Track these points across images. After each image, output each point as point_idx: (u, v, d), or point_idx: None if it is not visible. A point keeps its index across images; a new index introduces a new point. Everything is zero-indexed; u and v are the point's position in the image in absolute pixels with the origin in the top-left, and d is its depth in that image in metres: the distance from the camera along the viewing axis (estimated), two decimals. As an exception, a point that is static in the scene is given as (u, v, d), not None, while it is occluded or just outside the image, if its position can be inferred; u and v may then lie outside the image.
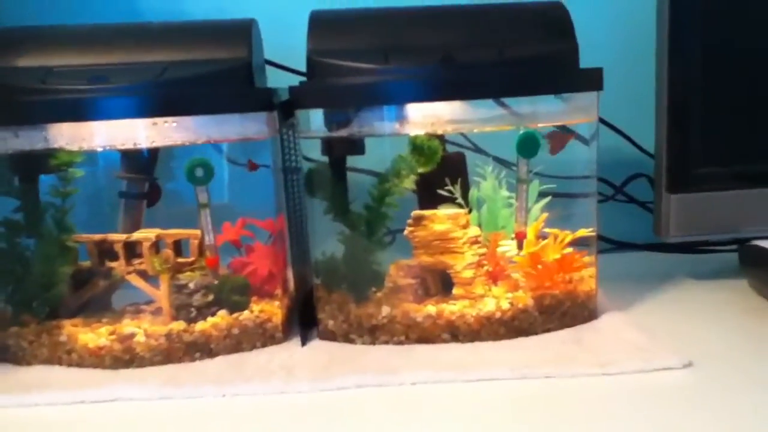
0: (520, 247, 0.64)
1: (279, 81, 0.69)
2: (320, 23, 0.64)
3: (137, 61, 0.61)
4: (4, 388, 0.56)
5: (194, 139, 0.61)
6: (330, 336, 0.63)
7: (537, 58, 0.61)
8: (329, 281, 0.65)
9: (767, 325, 0.63)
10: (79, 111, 0.58)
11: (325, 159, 0.65)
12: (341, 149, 0.65)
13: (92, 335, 0.60)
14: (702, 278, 0.77)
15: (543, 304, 0.62)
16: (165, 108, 0.59)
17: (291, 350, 0.62)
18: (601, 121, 0.66)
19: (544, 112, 0.63)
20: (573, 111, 0.63)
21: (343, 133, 0.63)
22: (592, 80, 0.62)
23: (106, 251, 0.64)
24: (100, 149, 0.61)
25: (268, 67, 0.75)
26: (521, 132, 0.60)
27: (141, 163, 0.67)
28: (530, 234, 0.64)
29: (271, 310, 0.64)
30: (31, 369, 0.60)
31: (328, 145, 0.64)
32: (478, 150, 0.73)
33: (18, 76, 0.59)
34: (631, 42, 0.86)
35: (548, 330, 0.62)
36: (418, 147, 0.61)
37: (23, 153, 0.60)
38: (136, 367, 0.59)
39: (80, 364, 0.60)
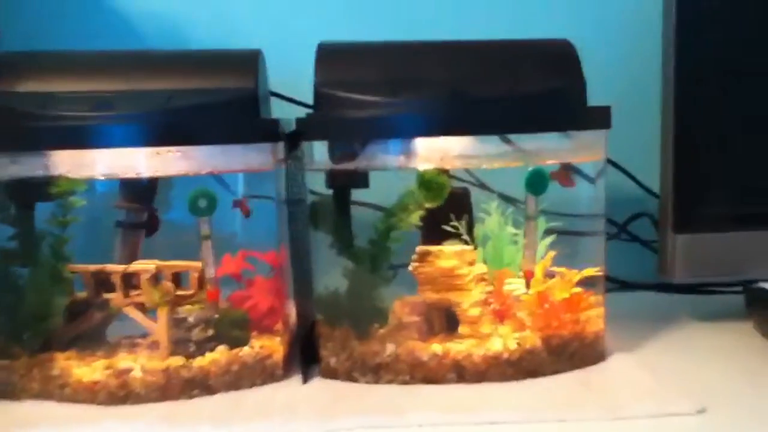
0: (528, 285, 0.62)
1: (283, 112, 0.69)
2: (328, 55, 0.63)
3: (142, 88, 0.60)
4: (-9, 425, 0.54)
5: (198, 169, 0.60)
6: (332, 374, 0.61)
7: (545, 95, 0.61)
8: (332, 317, 0.63)
9: (776, 369, 0.62)
10: (82, 138, 0.56)
11: (330, 192, 0.64)
12: (346, 182, 0.64)
13: (87, 369, 0.58)
14: (707, 320, 0.76)
15: (551, 345, 0.61)
16: (169, 137, 0.58)
17: (292, 388, 0.60)
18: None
19: (551, 149, 0.63)
20: (580, 148, 0.63)
21: (348, 166, 0.62)
22: (601, 118, 0.62)
23: (102, 282, 0.62)
24: (101, 177, 0.59)
25: (272, 99, 0.74)
26: (530, 169, 0.60)
27: (140, 193, 0.66)
28: (538, 272, 0.63)
29: (271, 346, 0.62)
30: (22, 404, 0.58)
31: (333, 177, 0.63)
32: (482, 186, 0.72)
33: (20, 101, 0.57)
34: (637, 80, 0.87)
35: (556, 371, 0.61)
36: (426, 182, 0.60)
37: (21, 180, 0.58)
38: (132, 403, 0.57)
39: (73, 400, 0.57)
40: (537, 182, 0.60)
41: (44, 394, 0.58)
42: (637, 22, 0.91)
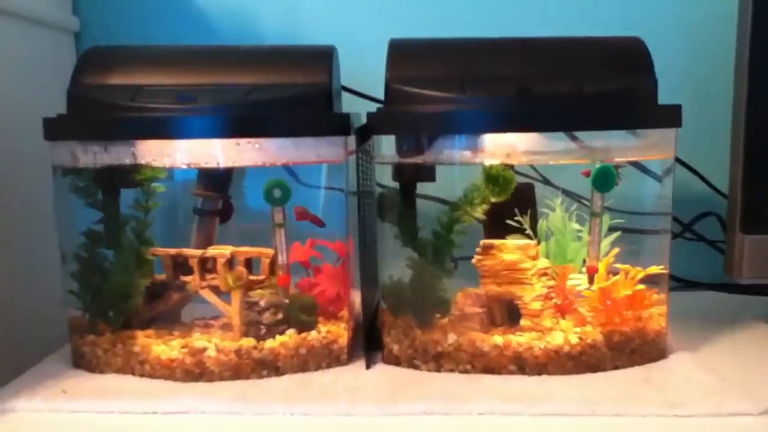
0: (591, 281, 0.63)
1: (353, 107, 0.71)
2: (399, 51, 0.65)
3: (223, 83, 0.63)
4: (79, 394, 0.58)
5: (273, 160, 0.63)
6: (394, 360, 0.63)
7: (614, 93, 0.61)
8: (396, 305, 0.65)
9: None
10: (167, 129, 0.60)
11: (397, 185, 0.66)
12: (413, 176, 0.65)
13: (165, 347, 0.62)
14: (772, 322, 0.75)
15: (612, 341, 0.61)
16: (247, 129, 0.61)
17: (356, 373, 0.62)
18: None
19: (619, 146, 0.63)
20: (649, 146, 0.63)
21: (416, 160, 0.63)
22: (671, 116, 0.62)
23: (180, 265, 0.66)
24: (183, 167, 0.63)
25: (343, 93, 0.76)
26: (597, 166, 0.60)
27: (216, 181, 0.69)
28: (601, 269, 0.63)
29: (337, 331, 0.64)
30: (105, 377, 0.62)
31: (400, 171, 0.65)
32: (546, 182, 0.73)
33: (110, 94, 0.61)
34: (708, 78, 0.86)
35: (617, 367, 0.61)
36: (493, 177, 0.61)
37: (109, 167, 0.62)
38: (206, 380, 0.60)
39: (152, 375, 0.61)
40: (604, 180, 0.60)
41: (126, 369, 0.62)
42: (710, 18, 0.90)
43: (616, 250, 0.65)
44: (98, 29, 0.93)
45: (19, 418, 0.55)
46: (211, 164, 0.62)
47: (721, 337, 0.70)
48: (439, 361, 0.62)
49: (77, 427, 0.54)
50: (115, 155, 0.62)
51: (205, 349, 0.61)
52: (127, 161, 0.62)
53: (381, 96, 0.64)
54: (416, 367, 0.62)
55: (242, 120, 0.60)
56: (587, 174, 0.63)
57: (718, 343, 0.69)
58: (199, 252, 0.65)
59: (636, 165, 0.66)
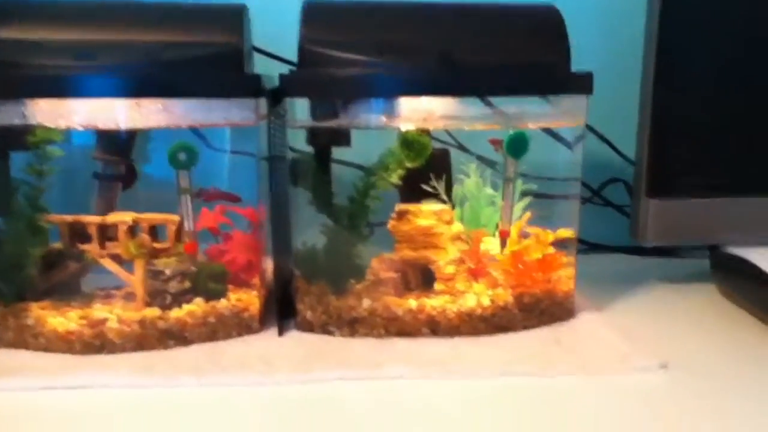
0: (503, 245, 0.64)
1: (265, 69, 0.68)
2: (314, 13, 0.63)
3: (126, 40, 0.59)
4: (-32, 372, 0.54)
5: (179, 122, 0.59)
6: (308, 327, 0.62)
7: (529, 60, 0.62)
8: (309, 272, 0.64)
9: (735, 329, 0.64)
10: (62, 87, 0.56)
11: (311, 149, 0.64)
12: (328, 140, 0.64)
13: (62, 319, 0.58)
14: (675, 282, 0.79)
15: (522, 302, 0.62)
16: (151, 89, 0.57)
17: (268, 341, 0.61)
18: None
19: (532, 113, 0.63)
20: (561, 113, 0.64)
21: (331, 124, 0.62)
22: (583, 84, 0.63)
23: (78, 233, 0.62)
24: (80, 128, 0.59)
25: (255, 55, 0.73)
26: (511, 132, 0.61)
27: (119, 145, 0.65)
28: (513, 233, 0.64)
29: (248, 299, 0.63)
30: (-4, 352, 0.58)
31: (314, 135, 0.64)
32: (461, 147, 0.73)
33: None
34: (619, 47, 0.88)
35: (526, 327, 0.62)
36: (408, 142, 0.60)
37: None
38: (107, 353, 0.57)
39: (48, 349, 0.58)
40: (518, 145, 0.61)
41: (19, 344, 0.58)
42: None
43: (528, 214, 0.66)
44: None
45: None
46: (111, 126, 0.58)
47: (626, 298, 0.73)
48: (353, 326, 0.61)
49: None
50: (4, 115, 0.57)
51: (105, 321, 0.58)
52: (17, 121, 0.57)
53: (294, 58, 0.61)
54: (330, 333, 0.62)
55: (144, 79, 0.57)
56: (495, 142, 0.64)
57: (624, 303, 0.71)
58: (98, 219, 0.61)
59: (547, 131, 0.67)
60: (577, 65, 0.63)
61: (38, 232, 0.61)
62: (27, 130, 0.58)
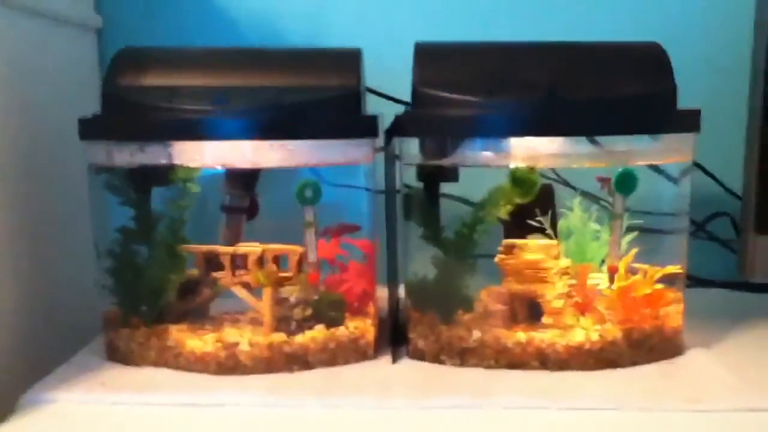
0: (611, 280, 0.65)
1: (375, 108, 0.72)
2: (426, 54, 0.67)
3: (253, 85, 0.64)
4: (118, 387, 0.60)
5: (301, 161, 0.64)
6: (420, 355, 0.65)
7: (635, 98, 0.63)
8: (420, 302, 0.67)
9: None
10: (201, 131, 0.61)
11: (421, 185, 0.68)
12: (436, 176, 0.67)
13: (198, 341, 0.63)
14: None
15: (631, 338, 0.63)
16: (279, 133, 0.62)
17: (383, 367, 0.64)
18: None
19: (640, 150, 0.65)
20: (668, 150, 0.65)
21: (442, 162, 0.65)
22: (690, 121, 0.64)
23: (211, 261, 0.68)
24: (218, 167, 0.64)
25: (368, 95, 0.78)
26: (620, 169, 0.62)
27: (245, 180, 0.71)
28: (621, 268, 0.65)
29: (364, 327, 0.66)
30: (141, 370, 0.64)
31: (425, 172, 0.67)
32: (564, 183, 0.75)
33: (146, 95, 0.63)
34: (725, 82, 0.88)
35: (635, 363, 0.63)
36: (518, 179, 0.63)
37: (145, 166, 0.64)
38: (239, 374, 0.62)
39: (186, 368, 0.63)
40: (626, 182, 0.62)
41: (160, 362, 0.64)
42: (727, 24, 0.92)
43: (635, 249, 0.67)
44: (120, 27, 0.95)
45: (60, 408, 0.57)
46: (243, 165, 0.64)
47: (735, 335, 0.72)
48: (464, 356, 0.64)
49: (117, 418, 0.56)
50: (151, 155, 0.63)
51: (237, 344, 0.63)
52: (163, 161, 0.63)
53: (401, 97, 0.65)
54: (441, 362, 0.64)
55: (273, 123, 0.62)
56: (602, 180, 0.65)
57: (733, 340, 0.71)
58: (231, 249, 0.67)
59: (653, 168, 0.68)
60: (682, 100, 0.64)
61: (178, 260, 0.67)
62: (170, 168, 0.65)
